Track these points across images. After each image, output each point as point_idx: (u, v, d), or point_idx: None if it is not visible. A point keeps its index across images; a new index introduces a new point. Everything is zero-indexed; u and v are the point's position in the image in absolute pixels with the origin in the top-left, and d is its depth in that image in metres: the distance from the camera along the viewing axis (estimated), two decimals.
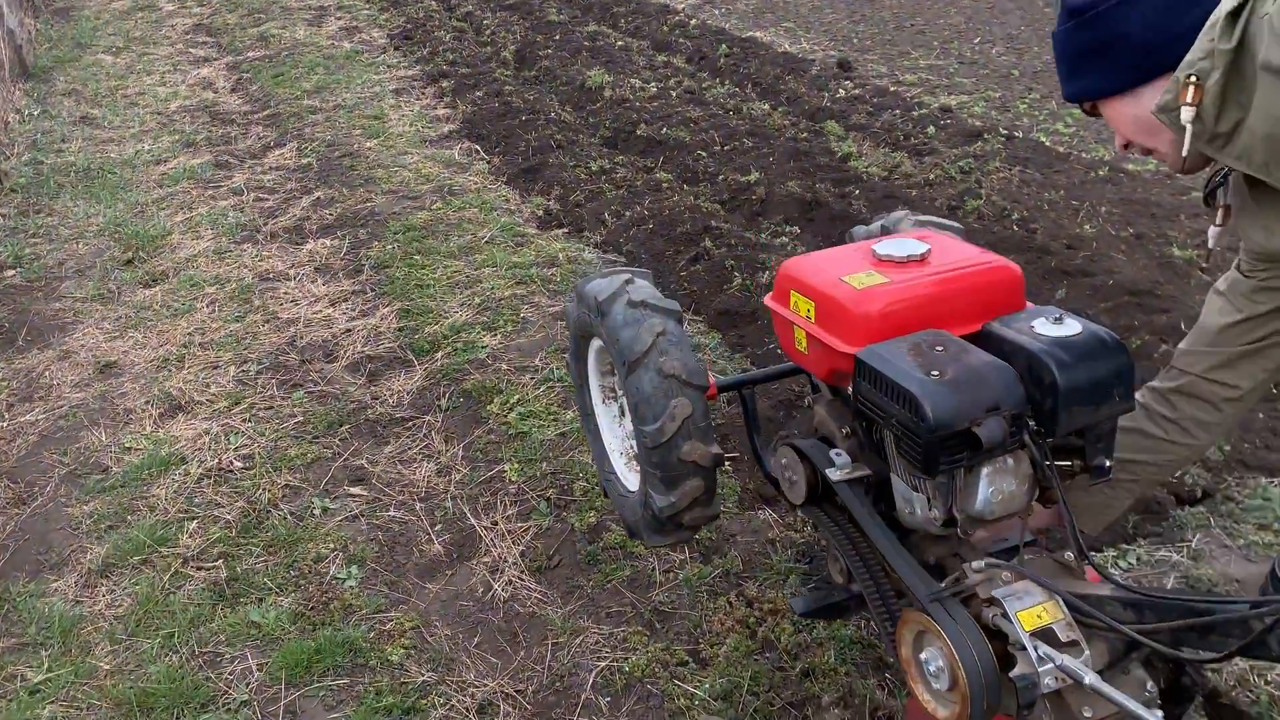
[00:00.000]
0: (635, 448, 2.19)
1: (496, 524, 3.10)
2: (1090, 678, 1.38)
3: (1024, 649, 1.44)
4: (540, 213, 5.50)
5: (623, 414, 2.41)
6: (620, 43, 9.17)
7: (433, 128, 7.14)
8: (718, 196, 5.50)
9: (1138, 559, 2.67)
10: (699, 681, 2.43)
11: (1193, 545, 2.70)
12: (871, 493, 1.85)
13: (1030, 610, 1.50)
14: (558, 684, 2.51)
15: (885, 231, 2.24)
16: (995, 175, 5.43)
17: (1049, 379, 1.55)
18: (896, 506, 1.77)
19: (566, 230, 5.29)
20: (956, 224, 2.23)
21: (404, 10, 11.09)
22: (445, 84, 8.05)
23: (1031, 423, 1.60)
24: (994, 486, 1.61)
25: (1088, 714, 1.46)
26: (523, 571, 2.91)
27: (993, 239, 4.56)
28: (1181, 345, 1.85)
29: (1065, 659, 1.41)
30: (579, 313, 2.23)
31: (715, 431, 2.12)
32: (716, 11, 10.72)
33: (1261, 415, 3.18)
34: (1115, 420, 1.66)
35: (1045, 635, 1.47)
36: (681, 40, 9.23)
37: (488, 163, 6.38)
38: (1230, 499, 2.86)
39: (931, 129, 6.36)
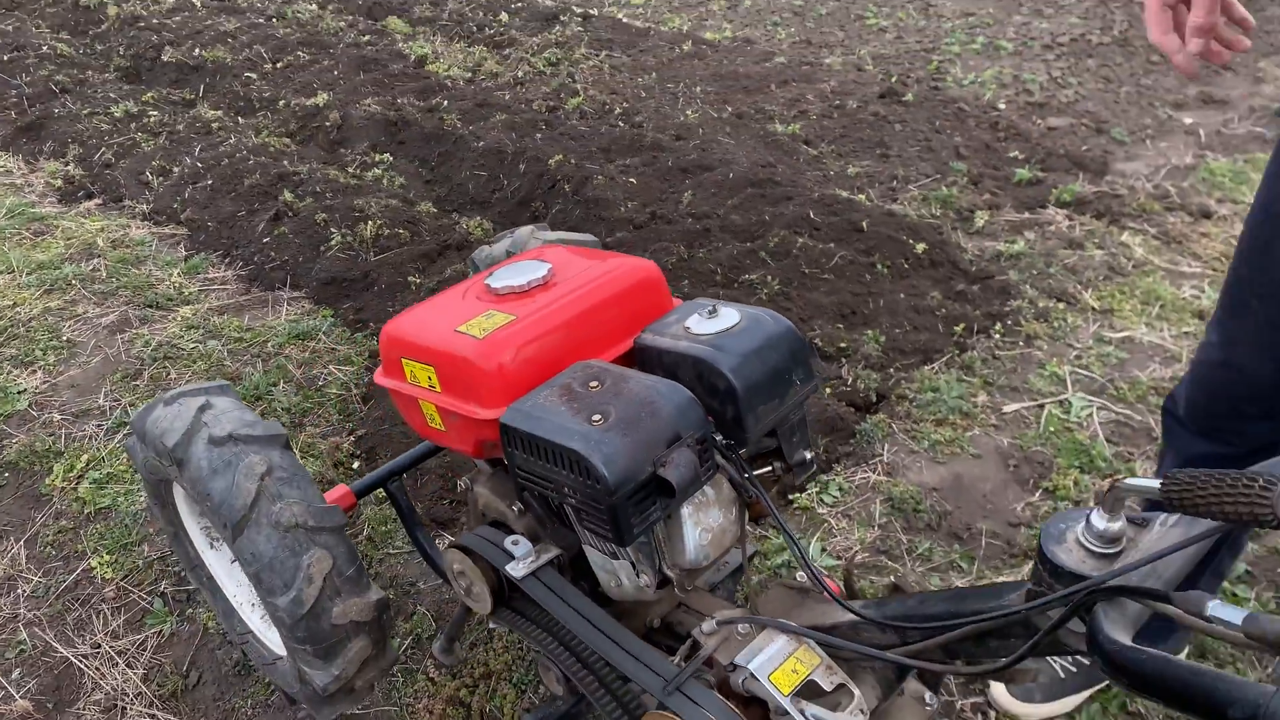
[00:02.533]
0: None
1: (99, 647, 2.35)
2: None
3: (788, 715, 1.16)
4: (59, 182, 4.36)
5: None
6: None
7: None
8: (284, 128, 4.67)
9: (840, 489, 2.55)
10: None
11: (885, 459, 2.63)
12: (569, 572, 1.49)
13: (782, 668, 1.23)
14: None
15: (511, 255, 1.83)
16: (585, 64, 5.08)
17: (722, 384, 1.31)
18: (600, 582, 1.42)
19: (100, 202, 4.24)
20: (589, 235, 1.87)
21: None
22: None
23: (719, 437, 1.32)
24: (700, 526, 1.33)
25: None
26: (151, 703, 2.22)
27: (604, 141, 4.24)
28: None
29: (837, 716, 1.15)
30: (146, 455, 1.59)
31: (367, 575, 1.60)
32: None
33: (902, 295, 3.18)
34: (804, 408, 1.43)
35: (808, 690, 1.22)
36: None
37: None
38: (904, 397, 2.82)
39: (505, 15, 5.86)
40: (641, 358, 1.41)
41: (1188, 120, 4.39)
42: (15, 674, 2.33)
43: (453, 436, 1.44)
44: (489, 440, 1.36)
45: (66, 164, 4.48)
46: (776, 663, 1.21)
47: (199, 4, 6.19)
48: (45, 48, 5.60)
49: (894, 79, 4.74)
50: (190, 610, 2.42)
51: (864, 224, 3.45)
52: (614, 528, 1.19)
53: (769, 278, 3.23)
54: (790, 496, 2.56)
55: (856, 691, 1.19)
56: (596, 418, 1.20)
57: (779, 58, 5.09)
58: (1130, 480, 0.85)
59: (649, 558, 1.30)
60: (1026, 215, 3.64)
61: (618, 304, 1.44)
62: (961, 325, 3.06)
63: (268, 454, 1.47)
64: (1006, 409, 2.78)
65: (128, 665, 2.31)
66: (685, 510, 1.29)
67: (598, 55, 5.20)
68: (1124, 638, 0.81)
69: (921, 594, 1.21)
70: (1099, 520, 0.90)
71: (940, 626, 1.08)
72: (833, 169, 4.00)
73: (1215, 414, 1.49)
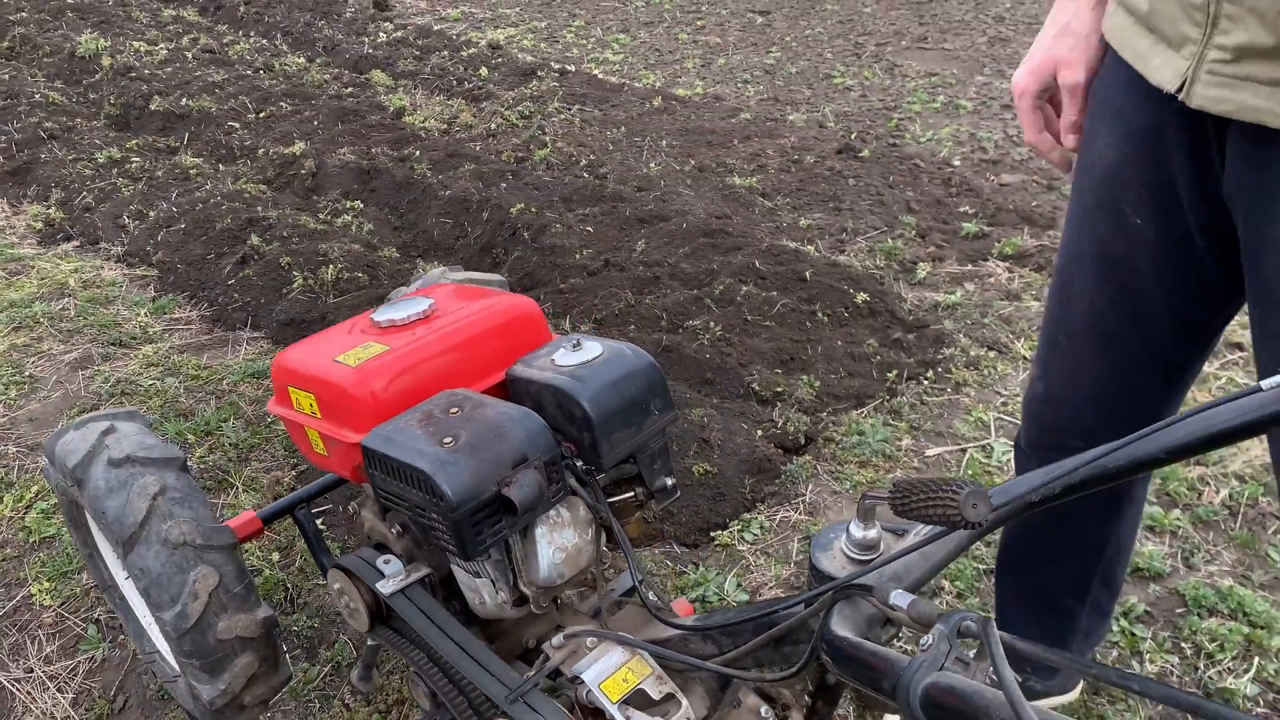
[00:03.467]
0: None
1: (32, 671, 2.41)
2: None
3: None
4: (39, 225, 4.49)
5: None
6: None
7: None
8: (261, 175, 4.82)
9: (761, 527, 2.62)
10: None
11: (808, 499, 2.70)
12: (440, 591, 1.58)
13: (614, 677, 1.32)
14: None
15: None
16: (557, 118, 5.24)
17: (579, 412, 1.41)
18: (467, 600, 1.51)
19: (78, 244, 4.37)
20: (498, 276, 1.99)
21: None
22: None
23: (580, 462, 1.43)
24: (554, 546, 1.42)
25: None
26: None
27: (567, 191, 4.37)
28: None
29: None
30: (57, 478, 1.69)
31: (256, 593, 1.68)
32: None
33: (840, 343, 3.28)
34: (665, 437, 1.52)
35: (637, 699, 1.30)
36: None
37: None
38: (830, 440, 2.90)
39: (484, 70, 6.04)
40: (512, 388, 1.50)
41: None
42: None
43: (334, 461, 1.53)
44: (362, 464, 1.44)
45: (49, 207, 4.61)
46: (609, 672, 1.28)
47: (191, 56, 6.39)
48: (39, 95, 5.79)
49: (853, 135, 4.88)
50: (121, 637, 2.48)
51: (808, 274, 3.56)
52: (458, 543, 1.27)
53: (712, 324, 3.33)
54: (713, 534, 2.63)
55: (684, 701, 1.26)
56: (448, 440, 1.29)
57: (745, 114, 5.24)
58: (875, 491, 0.93)
59: (504, 575, 1.38)
60: (969, 267, 3.74)
61: (491, 338, 1.53)
62: (894, 372, 3.15)
63: (163, 475, 1.55)
64: (929, 452, 2.85)
65: (59, 690, 2.37)
66: (539, 530, 1.37)
67: (570, 109, 5.36)
68: (847, 630, 0.89)
69: (740, 607, 1.28)
70: (856, 530, 0.98)
71: (747, 635, 1.16)
72: (785, 221, 4.12)
73: (1045, 444, 1.57)
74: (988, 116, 5.14)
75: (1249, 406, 0.83)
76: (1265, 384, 0.81)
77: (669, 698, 1.27)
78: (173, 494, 1.55)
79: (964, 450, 2.85)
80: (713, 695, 1.35)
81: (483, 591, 1.42)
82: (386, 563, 1.52)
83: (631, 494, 1.52)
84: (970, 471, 2.76)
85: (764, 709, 1.36)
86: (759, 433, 2.92)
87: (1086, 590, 1.81)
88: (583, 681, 1.28)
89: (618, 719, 1.22)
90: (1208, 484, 2.68)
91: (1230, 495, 2.62)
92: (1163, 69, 1.14)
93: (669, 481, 1.52)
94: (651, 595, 1.39)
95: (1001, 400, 3.04)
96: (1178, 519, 2.57)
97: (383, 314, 1.56)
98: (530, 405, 1.44)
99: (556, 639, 1.36)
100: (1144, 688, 0.80)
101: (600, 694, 1.24)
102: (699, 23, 6.89)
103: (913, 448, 2.87)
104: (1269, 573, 2.42)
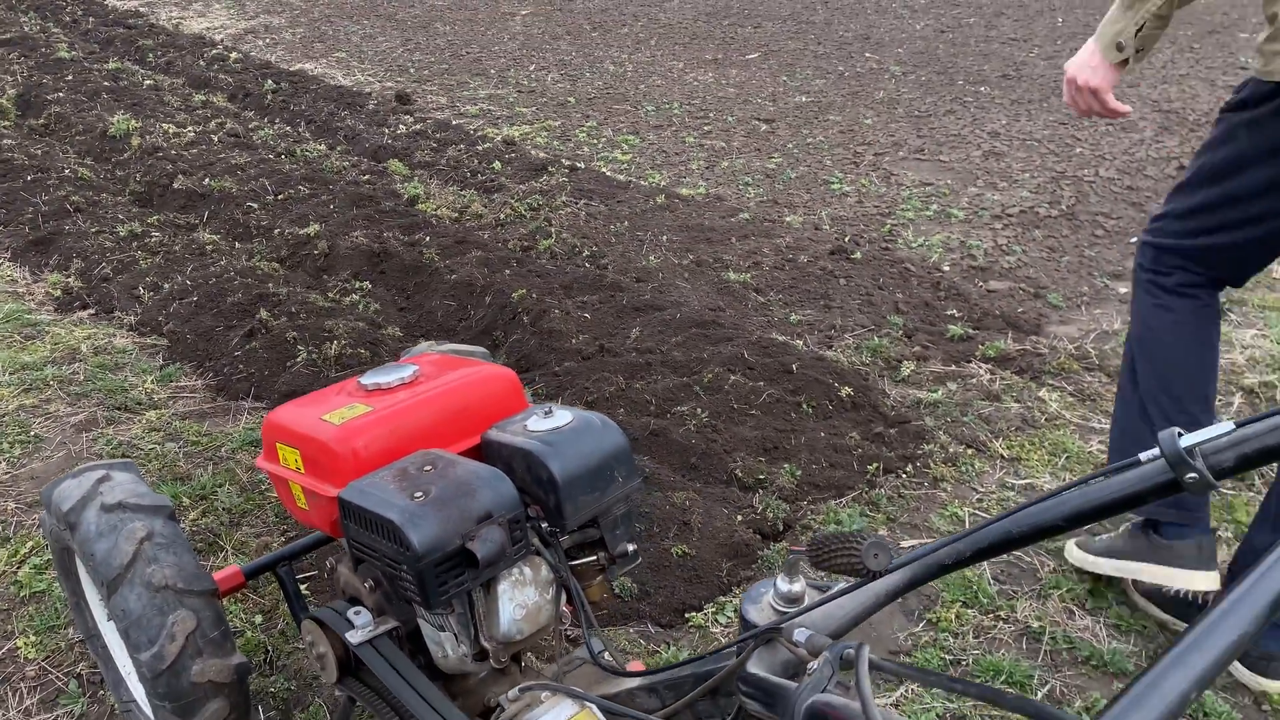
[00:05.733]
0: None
1: None
2: None
3: None
4: (58, 293, 4.65)
5: None
6: (149, 81, 8.18)
7: None
8: (274, 254, 4.99)
9: (735, 610, 2.67)
10: None
11: None
12: (406, 646, 1.65)
13: None
14: None
15: None
16: (564, 211, 5.44)
17: (545, 474, 1.50)
18: (432, 654, 1.58)
19: (93, 312, 4.52)
20: (481, 348, 2.13)
21: None
22: None
23: (544, 524, 1.53)
24: (515, 603, 1.50)
25: None
26: None
27: (568, 279, 4.52)
28: None
29: None
30: (51, 524, 1.79)
31: (232, 641, 1.76)
32: (260, 43, 9.97)
33: (823, 434, 3.36)
34: (630, 504, 1.61)
35: None
36: (222, 76, 8.43)
37: None
38: (808, 527, 2.97)
39: (498, 164, 6.27)
40: (486, 451, 1.60)
41: (1122, 290, 4.64)
42: None
43: (314, 514, 1.62)
44: (339, 518, 1.53)
45: (68, 276, 4.78)
46: None
47: (216, 139, 6.65)
48: (68, 170, 6.02)
49: (847, 238, 5.05)
50: (101, 692, 2.52)
51: (795, 366, 3.67)
52: (422, 592, 1.35)
53: (699, 410, 3.42)
54: (688, 615, 2.68)
55: None
56: (418, 494, 1.38)
57: (744, 214, 5.43)
58: (797, 547, 1.02)
59: (466, 629, 1.46)
60: (952, 368, 3.85)
61: (469, 403, 1.64)
62: (875, 465, 3.23)
63: (150, 522, 1.64)
64: (905, 544, 2.91)
65: None
66: (501, 586, 1.45)
67: (576, 203, 5.56)
68: (762, 670, 0.97)
69: (681, 662, 1.36)
70: (782, 584, 1.07)
71: (689, 687, 1.23)
72: (776, 315, 4.25)
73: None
74: (979, 225, 5.31)
75: (1131, 480, 0.92)
76: (1143, 456, 0.91)
77: None
78: (159, 539, 1.63)
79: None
80: None
81: (445, 645, 1.49)
82: (357, 614, 1.59)
83: (594, 558, 1.59)
84: None
85: None
86: (739, 518, 2.99)
87: None
88: None
89: None
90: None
91: None
92: None
93: (630, 547, 1.60)
94: (604, 653, 1.46)
95: (977, 496, 3.11)
96: (1145, 621, 2.62)
97: (369, 378, 1.67)
98: (502, 467, 1.53)
99: (512, 692, 1.43)
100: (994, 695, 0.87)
101: None
102: (706, 128, 7.16)
103: (888, 538, 2.93)
104: (1228, 678, 2.46)
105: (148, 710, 1.90)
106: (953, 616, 2.61)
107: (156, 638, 1.57)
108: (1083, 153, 6.38)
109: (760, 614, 1.09)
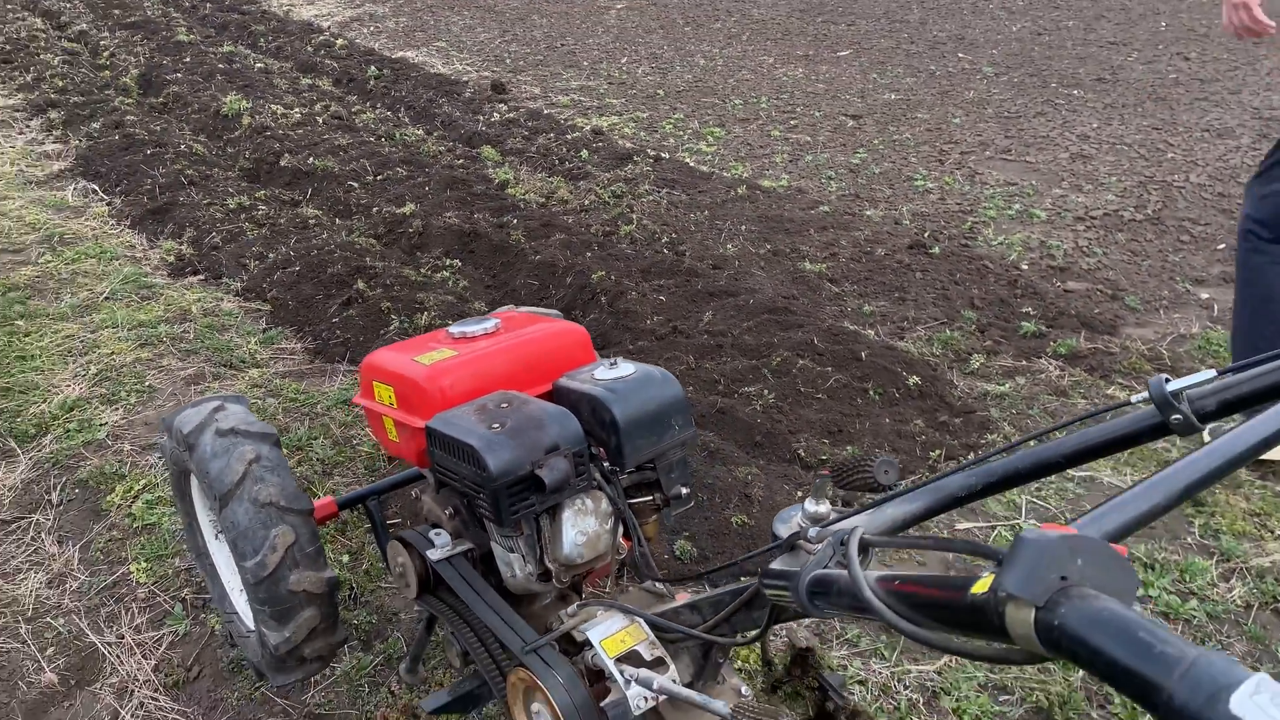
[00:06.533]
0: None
1: (123, 637, 2.71)
2: (659, 681, 1.41)
3: (615, 678, 1.44)
4: (171, 259, 4.98)
5: None
6: (260, 64, 8.59)
7: (40, 166, 6.30)
8: (372, 231, 5.25)
9: None
10: None
11: None
12: (479, 567, 1.84)
13: (613, 638, 1.54)
14: None
15: None
16: (645, 199, 5.59)
17: (608, 417, 1.65)
18: (502, 575, 1.75)
19: (203, 278, 4.83)
20: (556, 311, 2.30)
21: (0, 29, 9.78)
22: (54, 115, 7.16)
23: (606, 464, 1.68)
24: (577, 529, 1.66)
25: None
26: (157, 690, 2.55)
27: (646, 264, 4.67)
28: None
29: (652, 676, 1.43)
30: (171, 448, 2.01)
31: (324, 557, 1.97)
32: (365, 30, 10.35)
33: (888, 420, 3.45)
34: (685, 450, 1.76)
35: (630, 658, 1.51)
36: (328, 61, 8.81)
37: (108, 204, 5.71)
38: (866, 506, 3.06)
39: (585, 152, 6.46)
40: (557, 395, 1.76)
41: (1204, 295, 4.61)
42: (49, 651, 2.70)
43: (404, 446, 1.80)
44: (426, 447, 1.71)
45: (181, 244, 5.11)
46: (609, 634, 1.50)
47: (321, 121, 6.98)
48: (183, 146, 6.40)
49: (926, 234, 5.10)
50: (203, 616, 2.77)
51: (864, 354, 3.76)
52: (495, 511, 1.52)
53: (766, 391, 3.54)
54: (742, 579, 2.80)
55: (671, 664, 1.47)
56: (495, 425, 1.55)
57: (824, 207, 5.51)
58: (824, 470, 1.15)
59: (533, 550, 1.62)
60: (1022, 363, 3.89)
61: (543, 355, 1.81)
62: (937, 451, 3.31)
63: (259, 446, 1.84)
64: (960, 526, 2.99)
65: (144, 656, 2.66)
66: (566, 514, 1.61)
67: (659, 192, 5.71)
68: (778, 564, 1.11)
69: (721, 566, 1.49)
70: (810, 505, 1.20)
71: (725, 605, 1.37)
72: (850, 306, 4.34)
73: None
74: (1060, 226, 5.30)
75: (1124, 423, 1.03)
76: (1135, 399, 1.01)
77: (659, 660, 1.48)
78: (265, 462, 1.83)
79: (993, 527, 2.99)
80: (696, 664, 1.55)
81: (514, 565, 1.66)
82: (438, 535, 1.77)
83: (650, 498, 1.74)
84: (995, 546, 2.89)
85: (744, 688, 1.55)
86: (799, 494, 3.10)
87: None
88: (589, 644, 1.50)
89: (612, 670, 1.43)
90: (1228, 579, 2.76)
91: (1249, 591, 2.70)
92: None
93: (684, 490, 1.74)
94: (656, 582, 1.61)
95: (1036, 486, 3.17)
96: (1194, 609, 2.66)
97: (457, 328, 1.86)
98: (570, 410, 1.69)
99: (571, 608, 1.59)
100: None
101: (600, 649, 1.46)
102: (792, 122, 7.24)
103: (944, 519, 3.01)
104: (1275, 666, 2.49)
105: (249, 622, 2.11)
106: None
107: (260, 548, 1.77)
108: (1174, 158, 6.28)
109: (788, 531, 1.23)
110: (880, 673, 2.48)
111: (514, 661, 1.57)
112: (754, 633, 1.31)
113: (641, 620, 1.51)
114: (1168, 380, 1.02)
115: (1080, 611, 0.75)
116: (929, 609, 0.92)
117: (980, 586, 0.81)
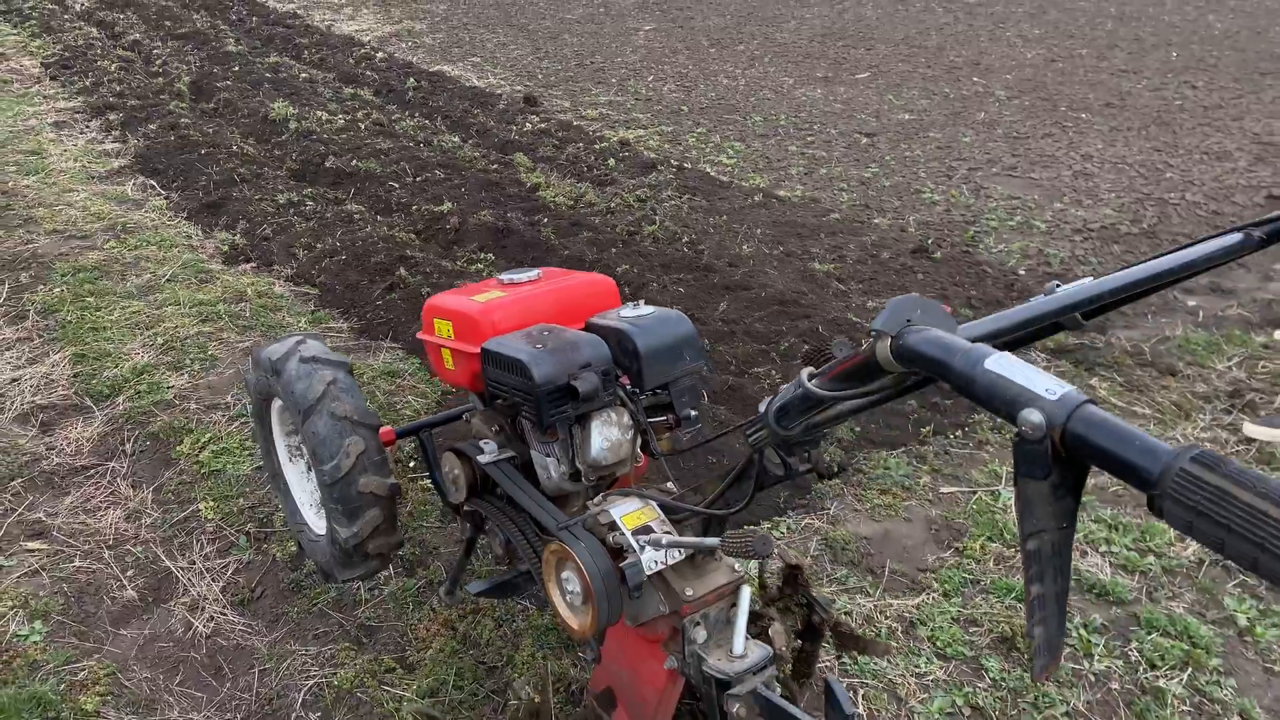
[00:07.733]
0: (318, 492, 2.35)
1: (194, 564, 3.06)
2: (666, 537, 1.72)
3: (632, 547, 1.76)
4: (226, 248, 5.37)
5: (309, 468, 2.58)
6: (305, 75, 9.04)
7: (101, 163, 6.73)
8: (412, 226, 5.62)
9: (787, 528, 3.11)
10: (407, 684, 2.56)
11: (831, 512, 3.19)
12: (520, 472, 2.15)
13: (631, 515, 1.85)
14: (266, 707, 2.55)
15: None
16: (668, 203, 5.95)
17: (631, 346, 1.99)
18: (539, 478, 2.07)
19: (255, 265, 5.21)
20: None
21: (60, 37, 10.30)
22: (113, 116, 7.59)
23: (629, 387, 2.01)
24: (603, 436, 2.00)
25: (689, 593, 1.77)
26: (224, 607, 2.90)
27: (667, 260, 5.02)
28: None
29: (660, 537, 1.74)
30: (257, 377, 2.38)
31: (389, 467, 2.33)
32: (403, 45, 10.81)
33: None
34: (694, 378, 2.09)
35: (644, 531, 1.81)
36: (369, 73, 9.25)
37: (165, 198, 6.12)
38: (860, 471, 3.38)
39: (612, 161, 6.83)
40: (588, 331, 2.10)
41: (1191, 303, 4.91)
42: (129, 573, 3.05)
43: (459, 373, 2.15)
44: (478, 371, 2.06)
45: (234, 235, 5.50)
46: (627, 512, 1.82)
47: (363, 127, 7.40)
48: (235, 148, 6.82)
49: (930, 240, 5.43)
50: (265, 546, 3.12)
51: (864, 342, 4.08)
52: (538, 414, 1.86)
53: (774, 372, 3.87)
54: (750, 528, 3.13)
55: (675, 532, 1.80)
56: (539, 346, 1.89)
57: (835, 214, 5.86)
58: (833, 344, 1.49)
59: (565, 453, 1.96)
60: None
61: (578, 297, 2.16)
62: (927, 427, 3.63)
63: (335, 371, 2.20)
64: (944, 490, 3.31)
65: (212, 579, 3.01)
66: (594, 423, 1.95)
67: (681, 198, 6.07)
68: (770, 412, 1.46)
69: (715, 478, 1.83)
70: (803, 377, 1.53)
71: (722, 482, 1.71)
72: (854, 301, 4.67)
73: None
74: (1059, 237, 5.62)
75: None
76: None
77: (668, 534, 1.81)
78: (341, 384, 2.19)
79: (974, 492, 3.30)
80: (697, 533, 1.88)
81: (550, 468, 2.00)
82: (486, 444, 2.12)
83: (665, 418, 2.08)
84: (975, 508, 3.20)
85: (736, 565, 1.87)
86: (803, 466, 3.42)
87: None
88: (613, 523, 1.82)
89: (629, 539, 1.76)
90: (1183, 539, 3.06)
91: (1200, 549, 3.00)
92: None
93: (693, 413, 2.07)
94: (667, 482, 1.94)
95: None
96: (1150, 563, 2.96)
97: (505, 275, 2.21)
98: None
99: (596, 499, 1.92)
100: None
101: (620, 522, 1.79)
102: (809, 139, 7.60)
103: (929, 484, 3.33)
104: (1220, 613, 2.79)
105: (317, 530, 2.45)
106: (978, 547, 3.00)
107: (336, 454, 2.11)
108: (1172, 177, 6.59)
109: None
110: (864, 606, 2.79)
111: (549, 539, 1.90)
112: (742, 503, 1.63)
113: (654, 503, 1.85)
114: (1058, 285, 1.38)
115: (918, 335, 1.18)
116: (849, 376, 1.34)
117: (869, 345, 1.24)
